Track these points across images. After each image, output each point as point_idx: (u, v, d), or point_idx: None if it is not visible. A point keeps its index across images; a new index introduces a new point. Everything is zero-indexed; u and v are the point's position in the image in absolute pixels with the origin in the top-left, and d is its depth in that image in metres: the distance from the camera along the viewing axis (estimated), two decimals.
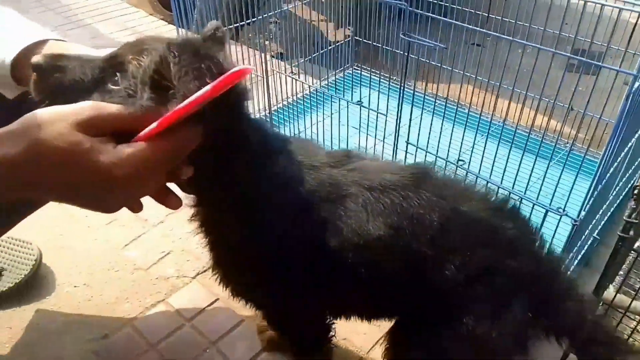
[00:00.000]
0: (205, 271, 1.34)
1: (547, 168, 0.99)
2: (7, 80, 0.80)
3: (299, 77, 1.43)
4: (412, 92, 1.07)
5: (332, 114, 1.36)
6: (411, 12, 1.10)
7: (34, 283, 1.29)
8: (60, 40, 0.81)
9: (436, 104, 1.27)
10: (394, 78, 1.81)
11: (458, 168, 1.04)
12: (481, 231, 0.77)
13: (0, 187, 0.57)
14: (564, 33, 1.22)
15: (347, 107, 1.20)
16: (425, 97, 1.18)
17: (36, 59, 0.65)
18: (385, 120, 1.11)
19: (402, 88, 1.01)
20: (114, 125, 0.59)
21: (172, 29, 2.74)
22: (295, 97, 1.76)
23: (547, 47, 0.96)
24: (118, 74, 0.64)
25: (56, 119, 0.56)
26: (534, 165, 1.00)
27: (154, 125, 0.58)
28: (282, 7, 1.70)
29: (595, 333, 0.79)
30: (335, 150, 0.92)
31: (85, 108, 0.58)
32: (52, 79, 0.65)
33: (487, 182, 1.00)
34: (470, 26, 0.96)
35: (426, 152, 1.06)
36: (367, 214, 0.75)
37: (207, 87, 0.57)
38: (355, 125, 1.31)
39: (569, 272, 0.83)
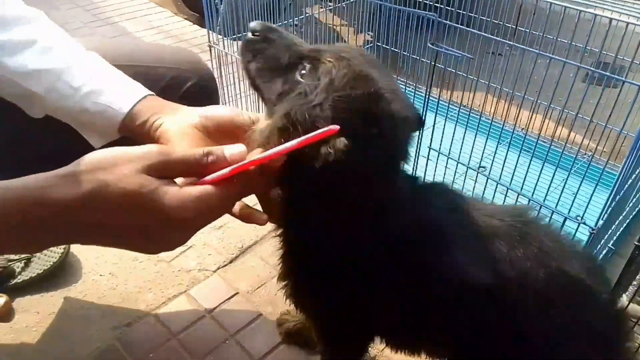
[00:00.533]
0: (225, 265, 1.38)
1: (567, 178, 1.01)
2: (103, 129, 0.84)
3: None
4: (435, 99, 1.10)
5: None
6: (439, 22, 1.13)
7: (62, 271, 1.34)
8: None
9: (460, 113, 1.29)
10: (414, 84, 1.85)
11: (479, 174, 1.06)
12: (579, 293, 0.75)
13: (59, 230, 0.56)
14: (587, 47, 1.25)
15: None
16: (450, 105, 1.20)
17: (254, 23, 0.70)
18: None
19: (427, 95, 1.04)
20: (180, 170, 0.59)
21: (197, 29, 2.80)
22: None
23: (571, 60, 0.98)
24: (308, 66, 0.63)
25: (121, 161, 0.56)
26: (554, 174, 1.02)
27: (225, 171, 0.57)
28: (303, 12, 1.74)
29: None
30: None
31: (153, 153, 0.57)
32: (259, 45, 0.68)
33: (508, 188, 1.02)
34: (498, 38, 0.99)
35: (448, 157, 1.08)
36: (476, 260, 0.72)
37: (293, 142, 0.56)
38: None
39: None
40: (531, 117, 1.28)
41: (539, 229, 0.77)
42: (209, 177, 0.57)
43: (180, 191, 0.56)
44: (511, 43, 0.98)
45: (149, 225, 0.57)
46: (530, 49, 1.00)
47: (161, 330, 1.21)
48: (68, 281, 1.33)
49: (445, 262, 0.71)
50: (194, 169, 0.58)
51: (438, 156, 1.10)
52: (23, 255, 1.31)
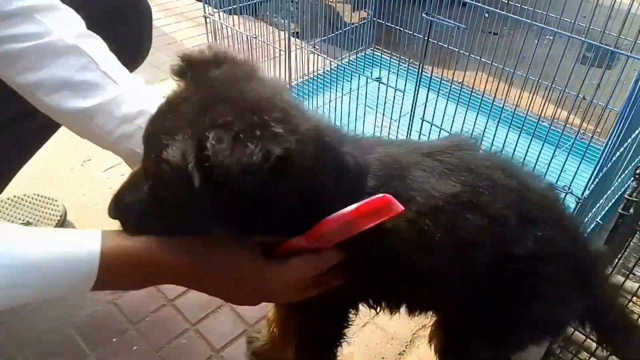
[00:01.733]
0: None
1: (554, 151, 1.03)
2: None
3: (319, 53, 1.48)
4: (429, 75, 1.11)
5: (350, 91, 1.40)
6: None
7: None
8: None
9: (451, 89, 1.30)
10: (411, 61, 1.85)
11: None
12: (553, 211, 0.74)
13: (165, 279, 0.69)
14: (580, 23, 1.26)
15: (367, 84, 1.24)
16: (442, 81, 1.22)
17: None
18: (403, 98, 1.16)
19: (420, 68, 1.05)
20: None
21: (191, 2, 2.77)
22: (314, 74, 1.81)
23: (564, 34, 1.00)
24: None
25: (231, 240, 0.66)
26: (541, 148, 1.04)
27: (300, 239, 0.65)
28: None
29: (618, 319, 0.81)
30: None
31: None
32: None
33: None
34: (492, 8, 1.00)
35: (440, 129, 1.10)
36: (438, 175, 0.69)
37: (355, 208, 0.61)
38: (370, 104, 1.35)
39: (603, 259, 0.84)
40: (521, 94, 1.30)
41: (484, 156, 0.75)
42: (287, 244, 0.66)
43: (270, 265, 0.67)
44: (504, 13, 0.99)
45: (247, 291, 0.70)
46: (535, 23, 1.01)
47: (156, 295, 1.24)
48: None
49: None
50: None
51: (430, 128, 1.12)
52: (20, 222, 1.32)
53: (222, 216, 0.59)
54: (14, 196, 1.38)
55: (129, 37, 1.11)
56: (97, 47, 0.84)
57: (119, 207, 0.67)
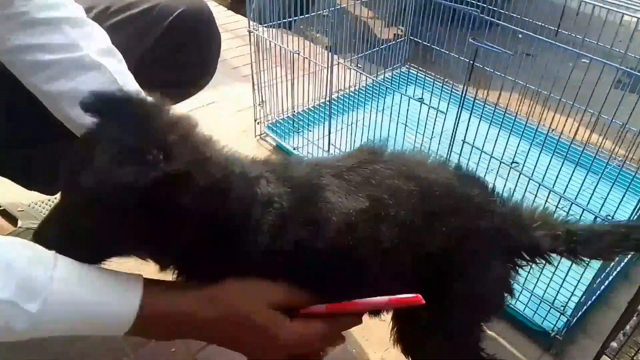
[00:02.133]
0: None
1: (599, 180, 1.04)
2: None
3: (360, 70, 1.51)
4: (471, 98, 1.13)
5: (384, 108, 1.42)
6: (477, 18, 1.16)
7: None
8: None
9: (485, 109, 1.31)
10: (446, 79, 1.87)
11: (511, 169, 1.10)
12: (454, 196, 0.79)
13: (193, 336, 0.77)
14: (615, 49, 1.26)
15: (408, 102, 1.27)
16: (477, 102, 1.22)
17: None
18: (444, 119, 1.17)
19: (464, 92, 1.07)
20: (295, 306, 0.74)
21: (231, 14, 2.84)
22: (349, 90, 1.84)
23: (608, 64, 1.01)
24: None
25: (254, 295, 0.72)
26: (585, 176, 1.05)
27: (322, 308, 0.74)
28: (334, 3, 1.77)
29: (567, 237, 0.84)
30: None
31: (281, 291, 0.73)
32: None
33: (539, 184, 1.06)
34: (539, 36, 1.02)
35: (481, 152, 1.12)
36: (346, 193, 0.75)
37: (388, 300, 0.70)
38: (403, 121, 1.37)
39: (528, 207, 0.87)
40: (566, 121, 1.31)
41: (390, 155, 0.82)
42: (306, 310, 0.74)
43: (289, 325, 0.72)
44: (552, 42, 1.00)
45: (263, 348, 0.75)
46: (572, 49, 1.02)
47: None
48: None
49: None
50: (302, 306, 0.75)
51: (471, 150, 1.13)
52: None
53: (125, 239, 0.68)
54: (55, 197, 1.44)
55: (198, 66, 1.17)
56: (119, 67, 0.88)
57: (38, 239, 0.70)
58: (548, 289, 1.19)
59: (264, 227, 0.72)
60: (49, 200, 1.43)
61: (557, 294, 1.17)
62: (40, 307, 0.59)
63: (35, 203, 1.42)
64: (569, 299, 1.15)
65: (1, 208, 1.35)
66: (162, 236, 0.67)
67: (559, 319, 1.18)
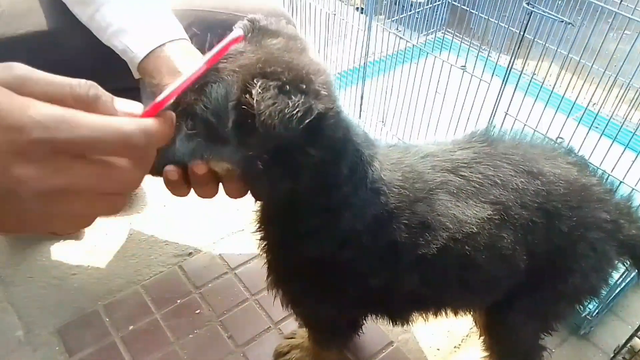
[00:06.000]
0: None
1: None
2: (130, 67, 0.82)
3: (400, 34, 1.44)
4: (517, 70, 1.06)
5: (430, 74, 1.36)
6: None
7: (129, 199, 1.41)
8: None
9: (521, 79, 1.24)
10: (484, 48, 1.78)
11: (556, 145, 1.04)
12: (577, 190, 0.76)
13: None
14: None
15: (450, 70, 1.21)
16: (532, 78, 1.15)
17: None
18: (487, 90, 1.12)
19: (510, 65, 1.01)
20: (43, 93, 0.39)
21: None
22: (383, 55, 1.77)
23: None
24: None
25: None
26: (637, 156, 0.99)
27: (161, 98, 0.45)
28: None
29: None
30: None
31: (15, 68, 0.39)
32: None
33: (586, 161, 1.00)
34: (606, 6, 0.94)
35: (525, 124, 1.06)
36: (465, 198, 0.71)
37: (201, 64, 0.50)
38: (440, 90, 1.31)
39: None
40: (621, 99, 1.23)
41: (507, 142, 0.78)
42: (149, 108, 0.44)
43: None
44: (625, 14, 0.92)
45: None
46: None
47: (219, 263, 1.28)
48: (134, 209, 1.40)
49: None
50: (67, 100, 0.39)
51: (514, 122, 1.08)
52: None
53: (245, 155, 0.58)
54: None
55: None
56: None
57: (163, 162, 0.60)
58: None
59: (365, 213, 0.67)
60: None
61: None
62: None
63: None
64: None
65: None
66: (287, 167, 0.59)
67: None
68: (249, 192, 0.64)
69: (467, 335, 1.17)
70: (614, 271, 0.84)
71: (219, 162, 0.59)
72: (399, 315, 0.87)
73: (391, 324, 0.88)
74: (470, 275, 0.76)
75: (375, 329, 1.15)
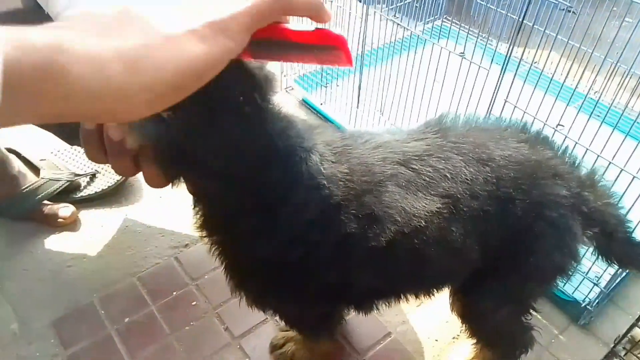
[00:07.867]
0: None
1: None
2: None
3: (398, 21, 1.41)
4: (516, 58, 1.04)
5: (429, 62, 1.33)
6: None
7: (125, 190, 1.40)
8: None
9: (520, 66, 1.22)
10: (483, 35, 1.76)
11: (556, 132, 1.03)
12: (529, 169, 0.74)
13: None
14: None
15: (448, 57, 1.18)
16: (532, 66, 1.12)
17: None
18: (486, 77, 1.10)
19: (509, 53, 0.99)
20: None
21: None
22: (382, 43, 1.74)
23: None
24: None
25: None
26: (637, 144, 0.97)
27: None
28: None
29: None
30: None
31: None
32: None
33: (587, 149, 0.99)
34: None
35: (524, 112, 1.04)
36: (415, 191, 0.70)
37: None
38: (438, 78, 1.29)
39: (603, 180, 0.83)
40: (621, 87, 1.21)
41: (458, 129, 0.76)
42: None
43: None
44: None
45: None
46: None
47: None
48: (130, 200, 1.39)
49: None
50: None
51: (513, 110, 1.06)
52: (89, 171, 1.36)
53: None
54: (74, 148, 1.42)
55: None
56: None
57: None
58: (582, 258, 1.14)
59: (308, 208, 0.64)
60: (66, 150, 1.41)
61: (592, 265, 1.12)
62: None
63: (58, 150, 1.41)
64: (605, 270, 1.11)
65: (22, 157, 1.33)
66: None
67: (591, 289, 1.14)
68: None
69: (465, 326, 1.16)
70: (583, 245, 0.81)
71: (134, 133, 0.49)
72: (362, 306, 0.86)
73: (357, 313, 0.89)
74: (422, 268, 0.75)
75: (373, 320, 1.14)
